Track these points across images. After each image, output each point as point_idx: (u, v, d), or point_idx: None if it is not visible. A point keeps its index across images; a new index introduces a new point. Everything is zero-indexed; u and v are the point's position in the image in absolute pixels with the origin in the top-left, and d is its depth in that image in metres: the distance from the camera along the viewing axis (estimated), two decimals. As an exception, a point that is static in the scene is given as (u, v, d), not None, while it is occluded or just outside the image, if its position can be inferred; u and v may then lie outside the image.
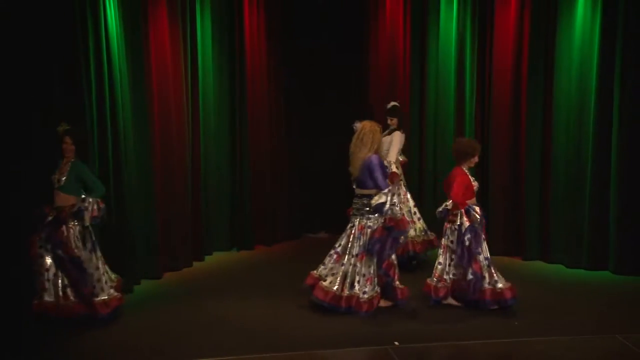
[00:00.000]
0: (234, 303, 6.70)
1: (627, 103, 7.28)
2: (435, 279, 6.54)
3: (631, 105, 7.27)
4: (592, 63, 7.54)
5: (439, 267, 6.54)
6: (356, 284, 6.35)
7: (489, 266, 6.39)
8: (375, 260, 6.36)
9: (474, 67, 8.32)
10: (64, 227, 5.99)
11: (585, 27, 7.59)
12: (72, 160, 6.09)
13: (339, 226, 8.50)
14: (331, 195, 8.55)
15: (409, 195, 7.74)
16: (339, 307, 6.34)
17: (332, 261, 6.53)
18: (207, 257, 8.24)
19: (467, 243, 6.27)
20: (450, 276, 6.51)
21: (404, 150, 7.91)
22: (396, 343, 5.71)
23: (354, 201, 6.54)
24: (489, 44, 8.22)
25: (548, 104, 7.91)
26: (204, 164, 8.19)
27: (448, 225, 6.47)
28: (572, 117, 7.74)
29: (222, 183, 8.49)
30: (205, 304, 6.66)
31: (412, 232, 7.51)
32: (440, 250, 6.57)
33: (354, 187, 6.52)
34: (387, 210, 6.27)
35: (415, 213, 7.73)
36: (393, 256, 6.42)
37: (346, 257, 6.43)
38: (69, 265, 5.95)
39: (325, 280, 6.44)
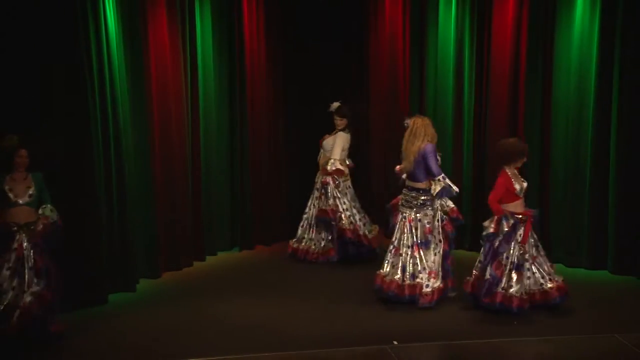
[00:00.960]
0: (233, 302, 6.68)
1: (626, 103, 7.24)
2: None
3: (630, 105, 7.23)
4: (591, 62, 7.51)
5: (479, 265, 6.45)
6: (417, 274, 6.51)
7: (516, 271, 6.21)
8: (440, 253, 6.54)
9: (472, 66, 8.29)
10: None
11: (584, 27, 7.55)
12: (26, 172, 5.73)
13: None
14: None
15: (351, 195, 8.01)
16: (402, 297, 6.49)
17: (391, 256, 6.71)
18: (209, 257, 8.20)
19: (496, 244, 6.19)
20: (474, 272, 6.45)
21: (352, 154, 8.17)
22: (395, 342, 5.70)
23: (403, 193, 6.74)
24: (487, 43, 8.19)
25: (546, 103, 7.88)
26: (205, 164, 8.15)
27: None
28: (571, 116, 7.71)
29: (223, 183, 8.46)
30: (204, 304, 6.65)
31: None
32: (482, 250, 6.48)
33: (406, 181, 6.73)
34: (456, 190, 6.56)
35: (356, 214, 7.90)
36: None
37: (402, 248, 6.59)
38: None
39: (388, 274, 6.64)
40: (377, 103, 9.10)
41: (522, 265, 6.26)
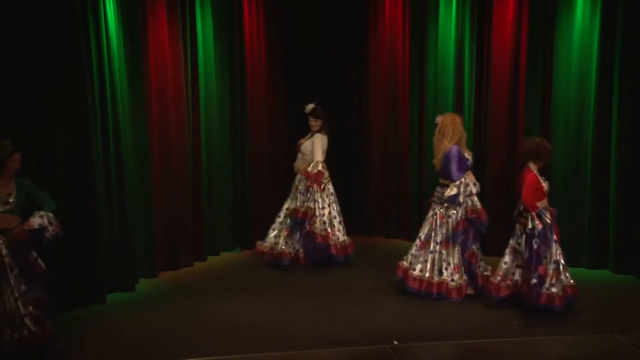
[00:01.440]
0: (233, 302, 6.66)
1: (627, 103, 7.22)
2: (498, 277, 6.42)
3: (631, 106, 7.21)
4: (592, 62, 7.48)
5: (504, 266, 6.40)
6: (444, 270, 6.69)
7: (555, 270, 6.21)
8: (459, 250, 6.63)
9: (472, 66, 8.26)
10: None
11: (584, 27, 7.52)
12: (13, 177, 5.53)
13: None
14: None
15: (333, 198, 7.80)
16: (431, 294, 6.65)
17: (416, 249, 6.82)
18: (211, 257, 8.17)
19: (534, 246, 6.12)
20: (517, 278, 6.37)
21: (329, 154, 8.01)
22: (395, 342, 5.68)
23: (436, 190, 6.86)
24: (488, 43, 8.16)
25: (547, 103, 7.85)
26: (207, 165, 8.13)
27: (518, 227, 6.32)
28: (572, 116, 7.68)
29: (224, 184, 8.43)
30: (203, 304, 6.64)
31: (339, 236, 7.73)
32: (507, 250, 6.43)
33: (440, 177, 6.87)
34: (462, 201, 6.59)
35: (335, 217, 7.74)
36: (475, 246, 6.71)
37: (431, 244, 6.74)
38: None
39: (414, 270, 6.73)
40: (376, 102, 9.07)
41: (559, 263, 6.25)
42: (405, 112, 8.86)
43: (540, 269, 6.14)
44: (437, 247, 6.70)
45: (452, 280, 6.63)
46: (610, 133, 7.35)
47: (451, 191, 6.60)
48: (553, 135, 7.80)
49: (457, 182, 6.60)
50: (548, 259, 6.21)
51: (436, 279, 6.66)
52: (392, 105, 8.94)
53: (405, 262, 6.81)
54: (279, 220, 7.88)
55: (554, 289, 6.19)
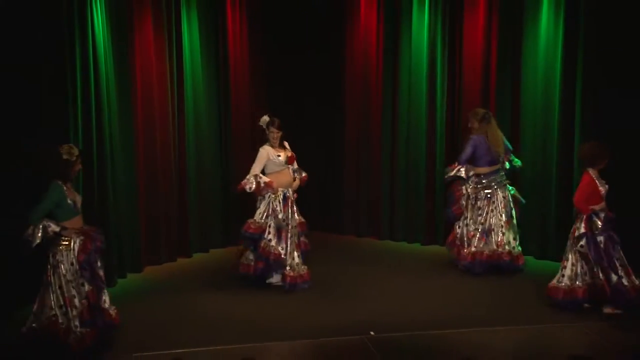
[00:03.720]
0: (214, 297, 6.70)
1: (589, 106, 7.34)
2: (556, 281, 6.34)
3: (593, 108, 7.33)
4: (556, 66, 7.61)
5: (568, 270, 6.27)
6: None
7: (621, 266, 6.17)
8: None
9: (444, 71, 8.37)
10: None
11: (549, 32, 7.65)
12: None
13: (317, 222, 8.59)
14: (310, 194, 8.55)
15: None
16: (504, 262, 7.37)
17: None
18: (196, 254, 8.19)
19: (580, 249, 6.13)
20: (587, 279, 6.21)
21: None
22: (372, 333, 5.75)
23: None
24: (459, 48, 8.29)
25: (515, 107, 7.99)
26: (193, 165, 8.17)
27: (575, 229, 6.26)
28: (538, 119, 7.82)
29: (211, 183, 8.44)
30: (186, 298, 6.68)
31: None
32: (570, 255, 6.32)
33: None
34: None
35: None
36: None
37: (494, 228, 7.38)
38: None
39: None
40: (352, 109, 9.05)
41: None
42: (378, 118, 8.87)
43: (622, 272, 6.08)
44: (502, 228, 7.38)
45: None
46: (573, 134, 7.47)
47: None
48: (522, 137, 7.94)
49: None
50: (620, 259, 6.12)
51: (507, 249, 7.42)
52: (365, 111, 8.95)
53: (473, 248, 7.31)
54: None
55: (626, 284, 6.08)
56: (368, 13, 8.80)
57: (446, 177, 7.57)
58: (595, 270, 6.12)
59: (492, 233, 7.37)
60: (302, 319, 6.15)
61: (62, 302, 5.28)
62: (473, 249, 7.34)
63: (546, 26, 7.68)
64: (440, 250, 8.18)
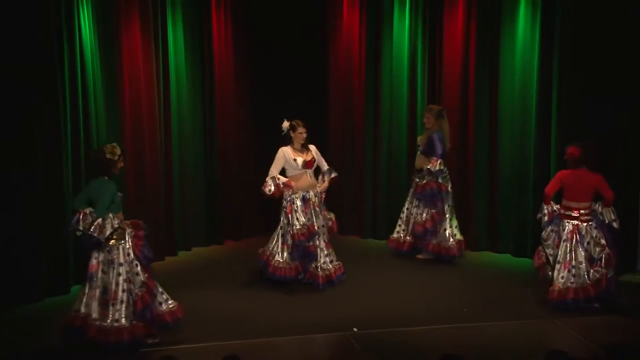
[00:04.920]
0: (198, 294, 6.67)
1: (564, 108, 7.41)
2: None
3: (568, 110, 7.39)
4: (533, 67, 7.68)
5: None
6: None
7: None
8: None
9: (425, 74, 8.44)
10: None
11: (526, 34, 7.73)
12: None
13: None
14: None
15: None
16: None
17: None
18: (182, 252, 8.20)
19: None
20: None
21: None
22: (355, 329, 5.78)
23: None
24: (439, 52, 8.35)
25: (493, 107, 8.06)
26: (178, 165, 8.19)
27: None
28: (516, 120, 7.90)
29: (196, 182, 8.47)
30: (173, 295, 6.60)
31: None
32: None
33: None
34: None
35: None
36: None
37: None
38: None
39: None
40: (335, 110, 9.07)
41: None
42: (361, 119, 8.91)
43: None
44: None
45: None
46: (550, 135, 7.54)
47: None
48: (500, 137, 8.02)
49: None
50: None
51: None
52: (349, 112, 8.99)
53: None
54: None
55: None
56: (350, 14, 8.83)
57: (434, 171, 7.55)
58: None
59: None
60: (285, 316, 6.18)
61: (106, 297, 5.36)
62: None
63: (523, 28, 7.75)
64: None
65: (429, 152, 7.60)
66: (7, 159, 6.33)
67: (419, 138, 7.89)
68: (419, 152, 7.80)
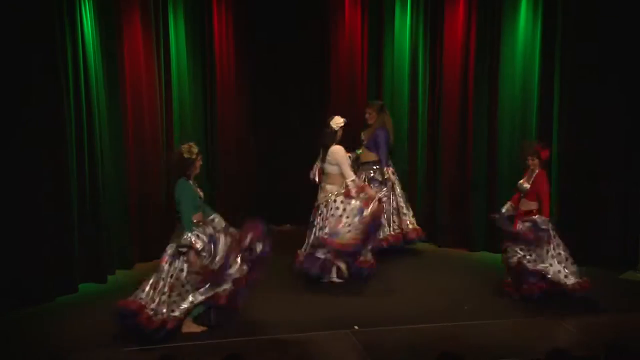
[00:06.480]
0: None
1: (566, 106, 7.39)
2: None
3: (569, 108, 7.38)
4: (534, 67, 7.65)
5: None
6: None
7: None
8: None
9: (426, 72, 8.39)
10: None
11: (527, 33, 7.69)
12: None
13: (302, 218, 8.55)
14: (295, 189, 8.55)
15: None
16: None
17: None
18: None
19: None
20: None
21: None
22: (356, 327, 5.75)
23: None
24: (440, 51, 8.30)
25: (494, 105, 8.00)
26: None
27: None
28: (516, 118, 7.85)
29: (198, 180, 8.39)
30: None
31: None
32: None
33: None
34: None
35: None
36: None
37: None
38: None
39: None
40: (337, 105, 9.08)
41: None
42: (362, 116, 8.86)
43: None
44: None
45: None
46: (551, 134, 7.51)
47: None
48: (500, 134, 7.97)
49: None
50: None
51: None
52: (350, 109, 8.90)
53: None
54: None
55: None
56: (352, 11, 8.79)
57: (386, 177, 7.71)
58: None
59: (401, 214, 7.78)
60: (286, 313, 6.14)
61: (165, 289, 5.41)
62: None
63: (524, 25, 7.70)
64: (422, 246, 8.19)
65: (374, 148, 7.69)
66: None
67: (362, 133, 7.92)
68: (362, 147, 7.84)
